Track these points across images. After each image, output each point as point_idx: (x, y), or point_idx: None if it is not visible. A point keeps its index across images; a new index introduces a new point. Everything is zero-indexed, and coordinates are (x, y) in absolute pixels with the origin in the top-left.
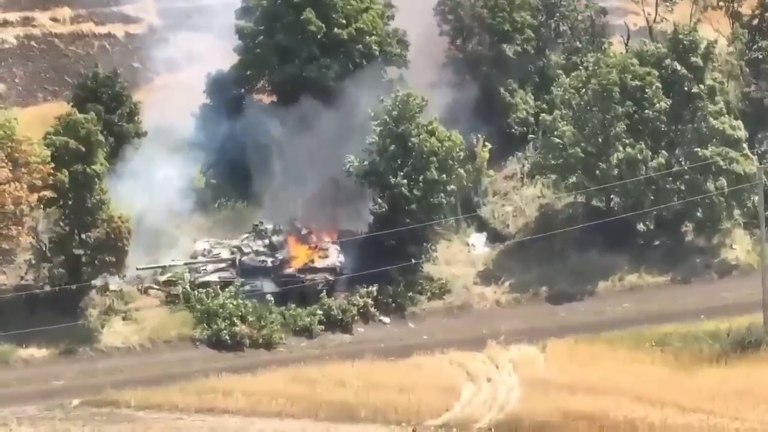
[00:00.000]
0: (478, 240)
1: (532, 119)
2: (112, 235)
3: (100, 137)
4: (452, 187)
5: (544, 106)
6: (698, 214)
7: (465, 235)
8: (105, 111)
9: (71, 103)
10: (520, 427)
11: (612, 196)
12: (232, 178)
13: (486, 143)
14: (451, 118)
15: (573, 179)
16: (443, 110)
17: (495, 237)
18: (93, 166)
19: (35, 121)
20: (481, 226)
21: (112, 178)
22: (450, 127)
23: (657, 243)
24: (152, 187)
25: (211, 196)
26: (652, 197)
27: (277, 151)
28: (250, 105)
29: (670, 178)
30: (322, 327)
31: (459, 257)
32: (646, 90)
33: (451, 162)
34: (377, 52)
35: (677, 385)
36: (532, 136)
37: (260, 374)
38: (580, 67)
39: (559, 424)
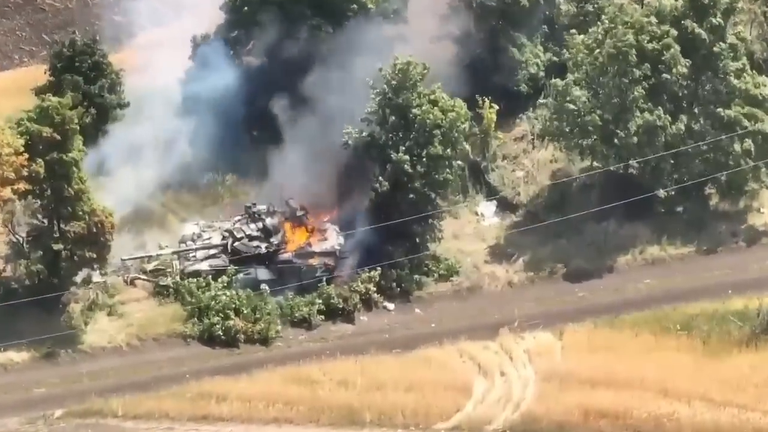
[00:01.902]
0: (487, 208)
1: (542, 74)
2: (94, 229)
3: (75, 125)
4: (458, 162)
5: (555, 59)
6: (722, 177)
7: (473, 204)
8: (84, 81)
9: (47, 72)
10: (536, 427)
11: (630, 161)
12: (222, 150)
13: (492, 105)
14: (454, 75)
15: (588, 142)
16: (445, 66)
17: (505, 206)
18: (70, 155)
19: (11, 88)
20: (491, 192)
21: (92, 153)
22: (451, 85)
23: (679, 210)
24: (136, 161)
25: (200, 171)
26: (672, 161)
27: (269, 120)
28: (238, 69)
29: (692, 141)
30: (322, 317)
31: (467, 229)
32: (665, 53)
33: (456, 135)
34: (373, 9)
35: (705, 375)
36: (543, 101)
37: (256, 375)
38: (597, 23)
39: (579, 424)
